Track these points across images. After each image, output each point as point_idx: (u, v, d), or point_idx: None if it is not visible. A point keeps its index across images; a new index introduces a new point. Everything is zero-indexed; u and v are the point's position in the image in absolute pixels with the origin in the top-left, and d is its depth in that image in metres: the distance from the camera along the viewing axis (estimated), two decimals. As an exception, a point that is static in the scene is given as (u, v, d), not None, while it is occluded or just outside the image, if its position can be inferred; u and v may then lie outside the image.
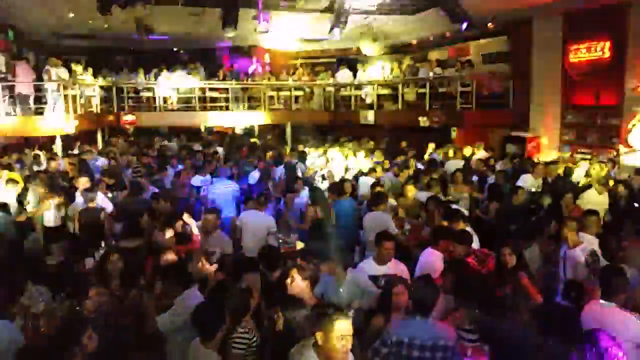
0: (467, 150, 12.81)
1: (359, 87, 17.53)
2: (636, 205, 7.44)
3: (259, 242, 6.75)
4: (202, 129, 17.85)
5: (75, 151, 13.06)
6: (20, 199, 8.39)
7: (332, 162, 12.05)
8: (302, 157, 12.52)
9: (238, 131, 19.57)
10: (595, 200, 7.54)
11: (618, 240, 5.28)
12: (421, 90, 15.27)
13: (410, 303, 3.93)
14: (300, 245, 7.26)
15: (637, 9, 10.92)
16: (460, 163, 11.36)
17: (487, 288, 4.64)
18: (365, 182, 9.45)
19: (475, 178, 10.00)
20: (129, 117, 16.24)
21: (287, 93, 18.06)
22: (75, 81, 14.10)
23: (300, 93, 18.23)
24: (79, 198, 7.97)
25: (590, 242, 5.56)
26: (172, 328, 4.11)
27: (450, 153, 12.49)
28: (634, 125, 11.11)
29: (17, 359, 3.39)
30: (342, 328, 2.99)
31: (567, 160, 11.19)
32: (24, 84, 12.86)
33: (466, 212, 7.20)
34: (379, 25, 14.30)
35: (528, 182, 9.11)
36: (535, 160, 11.31)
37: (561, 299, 5.22)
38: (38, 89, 13.05)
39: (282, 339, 3.50)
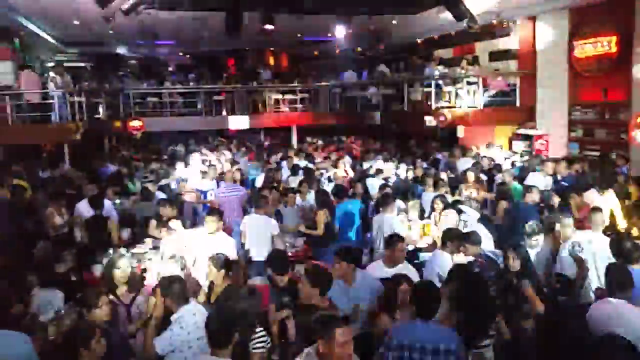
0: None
1: (364, 87, 17.48)
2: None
3: (263, 246, 6.79)
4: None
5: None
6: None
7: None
8: (309, 159, 12.52)
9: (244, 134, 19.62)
10: (599, 198, 7.46)
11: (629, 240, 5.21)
12: (427, 90, 15.20)
13: (413, 308, 3.89)
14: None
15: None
16: (469, 162, 11.31)
17: (489, 295, 4.58)
18: (373, 184, 9.43)
19: (484, 177, 9.94)
20: (136, 123, 16.29)
21: (293, 96, 18.04)
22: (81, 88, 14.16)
23: (306, 95, 18.20)
24: (87, 205, 7.98)
25: (597, 239, 5.51)
26: (170, 349, 4.02)
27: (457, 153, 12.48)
28: (642, 120, 11.01)
29: None
30: (342, 335, 3.01)
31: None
32: (30, 92, 12.92)
33: (476, 213, 7.15)
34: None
35: (538, 180, 9.04)
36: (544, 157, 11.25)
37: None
38: (44, 97, 13.11)
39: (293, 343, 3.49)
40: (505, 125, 14.30)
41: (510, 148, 13.84)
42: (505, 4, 12.33)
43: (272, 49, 20.43)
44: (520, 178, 9.61)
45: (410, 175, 10.80)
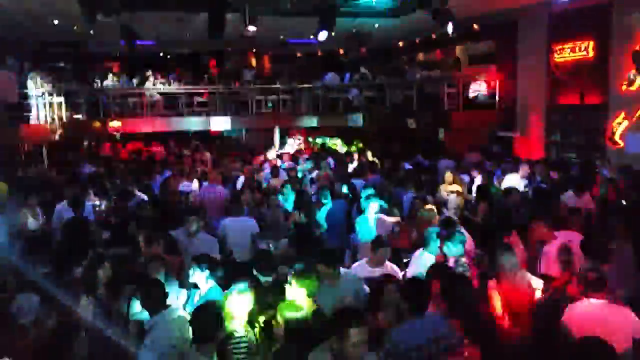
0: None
1: (346, 90, 17.54)
2: (624, 202, 7.50)
3: (244, 247, 6.78)
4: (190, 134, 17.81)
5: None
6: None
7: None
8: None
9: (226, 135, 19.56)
10: (576, 200, 7.59)
11: (602, 240, 5.31)
12: (408, 92, 15.32)
13: (404, 305, 3.93)
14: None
15: (619, 8, 11.08)
16: (450, 163, 11.42)
17: (472, 293, 4.63)
18: (357, 185, 9.46)
19: (466, 179, 10.05)
20: (115, 124, 16.10)
21: (275, 97, 18.01)
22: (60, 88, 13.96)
23: (287, 97, 18.19)
24: (66, 207, 7.88)
25: (574, 239, 5.59)
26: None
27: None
28: (618, 124, 11.25)
29: None
30: (356, 334, 3.02)
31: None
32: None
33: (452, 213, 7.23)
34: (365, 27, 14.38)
35: (514, 182, 9.18)
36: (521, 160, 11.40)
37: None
38: (23, 97, 12.91)
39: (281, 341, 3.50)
40: (484, 128, 14.48)
41: (490, 150, 14.00)
42: (486, 8, 12.48)
43: (254, 50, 20.38)
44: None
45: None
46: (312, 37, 14.99)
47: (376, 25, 15.34)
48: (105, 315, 4.63)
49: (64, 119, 13.58)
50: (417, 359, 3.49)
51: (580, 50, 11.97)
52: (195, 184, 10.49)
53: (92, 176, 10.82)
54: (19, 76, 13.67)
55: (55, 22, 13.32)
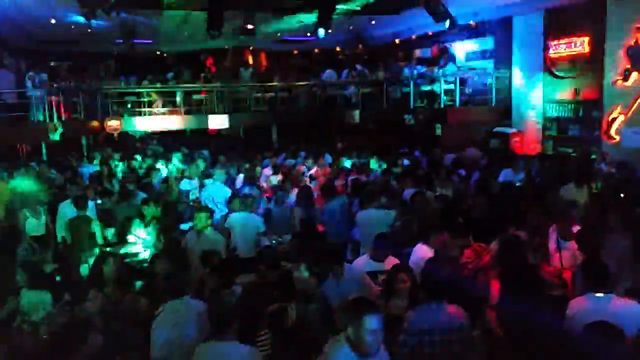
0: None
1: (343, 86, 17.61)
2: (622, 195, 7.61)
3: (249, 243, 6.87)
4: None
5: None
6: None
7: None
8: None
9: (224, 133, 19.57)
10: (575, 193, 7.70)
11: (596, 234, 5.43)
12: (405, 89, 15.41)
13: (424, 292, 4.01)
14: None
15: (613, 3, 11.20)
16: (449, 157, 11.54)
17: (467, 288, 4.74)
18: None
19: (463, 173, 10.16)
20: (114, 123, 16.12)
21: (273, 94, 18.06)
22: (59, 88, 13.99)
23: (285, 94, 18.24)
24: (70, 206, 7.94)
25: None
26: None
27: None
28: (614, 118, 11.38)
29: None
30: (372, 322, 3.08)
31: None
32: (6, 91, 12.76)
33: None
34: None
35: (508, 176, 9.31)
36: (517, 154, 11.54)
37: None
38: (22, 96, 12.94)
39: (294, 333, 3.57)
40: (481, 123, 14.58)
41: (487, 146, 14.10)
42: (482, 4, 12.57)
43: (251, 47, 20.40)
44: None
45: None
46: (309, 34, 15.13)
47: (373, 22, 15.42)
48: (113, 310, 4.73)
49: (63, 118, 13.60)
50: (429, 342, 3.61)
51: (575, 45, 12.09)
52: (196, 182, 10.53)
53: (93, 175, 10.87)
54: (16, 75, 13.69)
55: (53, 21, 13.34)
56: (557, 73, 12.71)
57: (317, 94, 18.07)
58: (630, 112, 11.07)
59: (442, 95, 14.28)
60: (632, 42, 10.86)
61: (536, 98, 13.30)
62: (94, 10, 9.62)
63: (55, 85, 14.09)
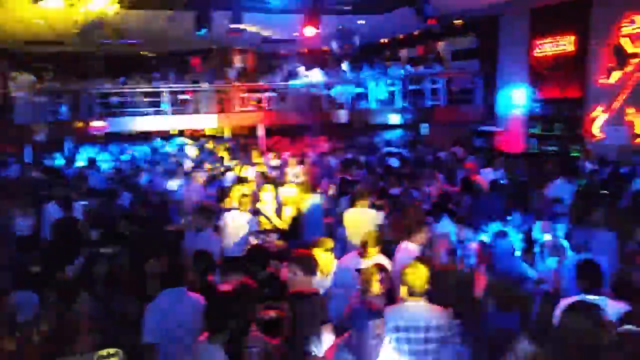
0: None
1: (330, 86, 17.63)
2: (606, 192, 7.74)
3: (240, 242, 6.86)
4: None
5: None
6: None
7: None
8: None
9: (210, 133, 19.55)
10: (561, 190, 7.82)
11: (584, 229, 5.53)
12: (392, 88, 15.48)
13: (405, 290, 4.06)
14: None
15: (598, 3, 11.37)
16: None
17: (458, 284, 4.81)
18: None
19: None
20: (98, 124, 15.97)
21: (259, 94, 18.04)
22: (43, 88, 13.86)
23: (272, 94, 18.22)
24: (55, 206, 7.89)
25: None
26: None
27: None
28: (597, 116, 11.55)
29: None
30: (378, 326, 3.08)
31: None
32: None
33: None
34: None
35: (488, 175, 9.42)
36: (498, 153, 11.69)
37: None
38: (5, 97, 12.80)
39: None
40: (466, 122, 14.72)
41: (471, 145, 14.24)
42: (468, 4, 12.67)
43: (238, 48, 20.35)
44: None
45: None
46: (296, 34, 15.10)
47: (360, 22, 15.44)
48: (104, 311, 4.72)
49: (48, 119, 13.47)
50: (405, 340, 3.66)
51: (560, 44, 12.24)
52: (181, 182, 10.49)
53: (76, 176, 10.79)
54: (1, 76, 13.54)
55: (37, 20, 13.18)
56: (541, 72, 12.86)
57: (304, 93, 18.06)
58: (612, 110, 11.25)
59: (429, 94, 14.39)
60: (615, 42, 11.04)
61: (520, 97, 13.44)
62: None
63: (39, 86, 13.92)
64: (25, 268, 5.50)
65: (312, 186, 8.51)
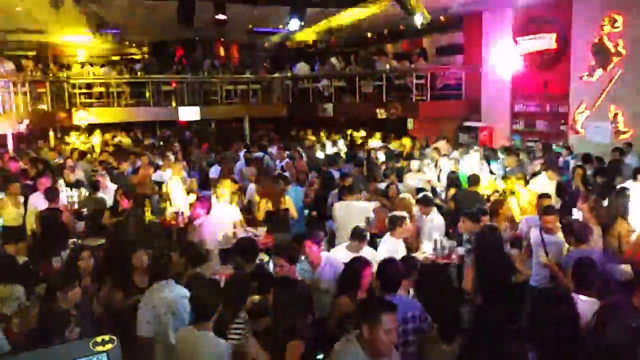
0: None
1: (316, 80, 17.63)
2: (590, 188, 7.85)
3: (226, 235, 6.86)
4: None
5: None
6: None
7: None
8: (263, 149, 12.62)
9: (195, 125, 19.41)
10: (546, 185, 7.92)
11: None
12: (378, 83, 15.52)
13: (378, 283, 4.11)
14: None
15: (580, 1, 11.51)
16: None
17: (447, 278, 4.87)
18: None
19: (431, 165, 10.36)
20: (82, 114, 15.78)
21: (245, 86, 17.96)
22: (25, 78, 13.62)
23: (257, 86, 18.16)
24: (40, 198, 7.79)
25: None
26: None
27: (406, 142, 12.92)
28: (580, 113, 11.72)
29: None
30: (389, 321, 3.06)
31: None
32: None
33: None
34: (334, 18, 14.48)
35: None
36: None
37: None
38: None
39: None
40: (451, 117, 14.82)
41: (456, 140, 14.35)
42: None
43: (222, 39, 20.22)
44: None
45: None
46: (281, 26, 15.07)
47: (345, 16, 15.42)
48: (89, 303, 4.69)
49: (29, 109, 13.26)
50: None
51: (543, 41, 12.37)
52: (168, 174, 10.43)
53: (62, 167, 10.65)
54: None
55: (18, 8, 12.96)
56: (525, 68, 13.00)
57: (289, 86, 18.05)
58: (595, 107, 11.42)
59: (414, 89, 14.44)
60: (596, 40, 11.19)
61: (505, 92, 13.57)
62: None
63: (21, 74, 13.69)
64: (11, 259, 5.39)
65: (297, 179, 8.54)
